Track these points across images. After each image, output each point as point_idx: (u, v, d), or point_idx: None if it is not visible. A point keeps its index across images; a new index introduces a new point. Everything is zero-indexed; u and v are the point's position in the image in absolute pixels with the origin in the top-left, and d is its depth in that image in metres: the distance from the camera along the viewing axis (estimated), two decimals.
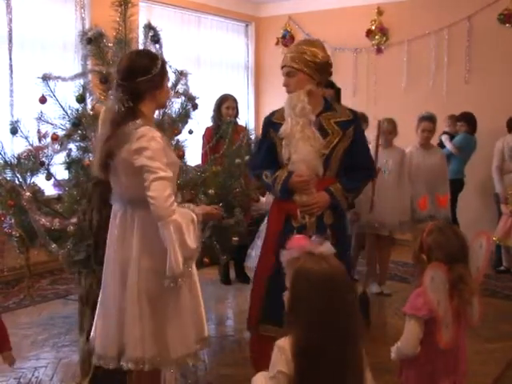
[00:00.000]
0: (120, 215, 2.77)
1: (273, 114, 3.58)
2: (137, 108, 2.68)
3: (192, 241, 2.60)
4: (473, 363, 3.15)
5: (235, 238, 3.98)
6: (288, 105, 3.36)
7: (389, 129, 5.59)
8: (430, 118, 5.68)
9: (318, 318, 1.98)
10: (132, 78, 2.66)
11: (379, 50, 8.34)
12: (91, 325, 2.98)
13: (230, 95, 6.14)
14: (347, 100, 8.04)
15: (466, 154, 6.94)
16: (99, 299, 2.91)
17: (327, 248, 2.09)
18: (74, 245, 3.46)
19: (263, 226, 5.31)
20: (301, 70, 3.30)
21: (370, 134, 4.84)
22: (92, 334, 2.92)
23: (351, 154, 3.42)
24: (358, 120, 3.51)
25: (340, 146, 3.38)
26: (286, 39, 9.11)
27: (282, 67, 3.40)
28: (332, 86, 5.43)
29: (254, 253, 5.64)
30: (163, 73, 2.77)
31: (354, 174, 3.44)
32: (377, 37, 8.31)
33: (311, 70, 3.30)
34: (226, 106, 5.95)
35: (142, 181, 2.56)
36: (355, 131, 3.42)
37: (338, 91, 5.83)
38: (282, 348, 2.01)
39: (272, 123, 3.52)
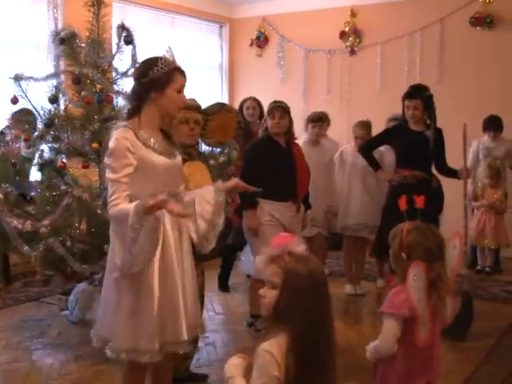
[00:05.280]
0: None
1: None
2: (138, 108, 2.85)
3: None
4: (446, 361, 3.17)
5: None
6: None
7: (363, 132, 5.62)
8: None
9: (313, 318, 1.97)
10: (135, 79, 2.92)
11: (353, 52, 8.38)
12: None
13: (250, 97, 6.47)
14: (321, 102, 8.15)
15: None
16: None
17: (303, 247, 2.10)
18: None
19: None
20: None
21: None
22: None
23: None
24: None
25: None
26: (260, 40, 9.11)
27: None
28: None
29: (248, 258, 5.30)
30: (165, 79, 2.80)
31: None
32: (350, 38, 8.35)
33: None
34: (246, 106, 6.28)
35: None
36: None
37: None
38: (270, 352, 1.94)
39: None
